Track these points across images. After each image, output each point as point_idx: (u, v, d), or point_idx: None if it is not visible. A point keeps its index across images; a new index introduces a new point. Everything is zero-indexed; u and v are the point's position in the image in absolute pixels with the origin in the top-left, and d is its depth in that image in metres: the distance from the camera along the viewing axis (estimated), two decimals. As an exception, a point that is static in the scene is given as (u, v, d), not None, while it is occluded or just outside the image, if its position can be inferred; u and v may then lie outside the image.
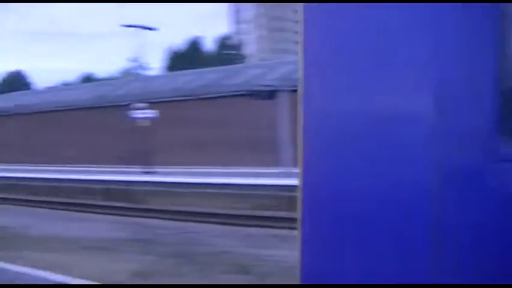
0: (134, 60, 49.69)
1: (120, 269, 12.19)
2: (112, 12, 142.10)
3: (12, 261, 13.31)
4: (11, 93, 75.14)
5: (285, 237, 15.47)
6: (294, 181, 3.82)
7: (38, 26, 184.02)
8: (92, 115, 52.28)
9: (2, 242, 17.32)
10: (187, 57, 79.21)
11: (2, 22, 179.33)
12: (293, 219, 3.78)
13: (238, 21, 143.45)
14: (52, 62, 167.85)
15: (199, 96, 45.59)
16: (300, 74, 3.63)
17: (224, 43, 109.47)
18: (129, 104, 43.43)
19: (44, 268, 12.08)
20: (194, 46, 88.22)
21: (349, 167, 3.35)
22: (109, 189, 30.60)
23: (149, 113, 41.02)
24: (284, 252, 13.02)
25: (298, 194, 3.60)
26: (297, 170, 3.57)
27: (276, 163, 32.63)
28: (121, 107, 47.27)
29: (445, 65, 3.02)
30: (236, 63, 72.36)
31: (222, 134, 42.07)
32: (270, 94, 34.90)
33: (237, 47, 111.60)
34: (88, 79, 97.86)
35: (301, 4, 3.63)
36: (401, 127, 3.13)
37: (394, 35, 3.22)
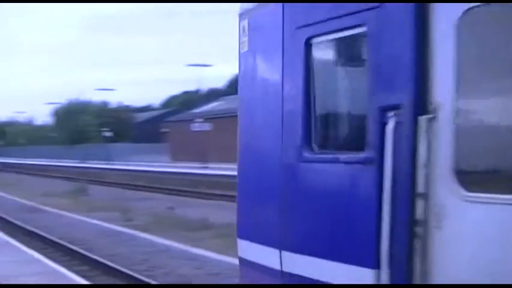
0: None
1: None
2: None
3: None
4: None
5: None
6: None
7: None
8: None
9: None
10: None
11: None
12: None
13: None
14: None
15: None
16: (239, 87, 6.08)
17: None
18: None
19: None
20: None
21: (246, 164, 5.90)
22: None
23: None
24: None
25: (237, 181, 6.02)
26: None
27: None
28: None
29: (283, 98, 5.16)
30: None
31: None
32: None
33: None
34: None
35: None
36: (271, 138, 5.30)
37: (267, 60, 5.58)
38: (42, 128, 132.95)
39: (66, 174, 57.64)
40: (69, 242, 18.11)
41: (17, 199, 33.47)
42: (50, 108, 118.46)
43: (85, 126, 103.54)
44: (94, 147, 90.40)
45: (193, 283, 12.74)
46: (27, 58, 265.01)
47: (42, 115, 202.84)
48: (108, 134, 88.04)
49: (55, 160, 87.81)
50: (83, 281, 12.29)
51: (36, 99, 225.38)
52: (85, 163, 75.03)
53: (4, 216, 25.04)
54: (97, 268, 14.86)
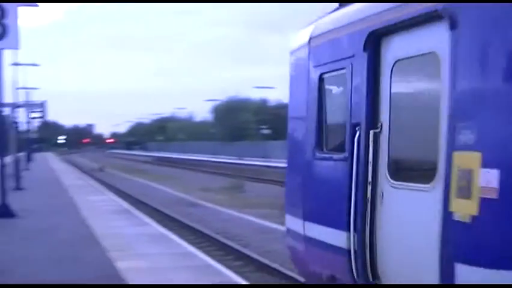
0: None
1: None
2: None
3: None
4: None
5: None
6: None
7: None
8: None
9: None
10: None
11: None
12: None
13: None
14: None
15: None
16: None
17: None
18: None
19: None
20: None
21: (289, 159, 8.83)
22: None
23: None
24: None
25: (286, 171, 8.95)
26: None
27: None
28: None
29: (307, 113, 8.04)
30: None
31: None
32: None
33: None
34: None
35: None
36: (301, 142, 8.29)
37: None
38: (201, 124, 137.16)
39: (223, 170, 58.97)
40: (224, 237, 18.39)
41: (175, 193, 34.60)
42: (210, 104, 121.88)
43: (244, 123, 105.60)
44: (252, 144, 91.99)
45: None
46: (187, 55, 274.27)
47: (202, 111, 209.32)
48: (266, 131, 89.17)
49: (213, 156, 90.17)
50: (237, 278, 12.36)
51: (196, 95, 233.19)
52: (242, 160, 76.45)
53: (162, 209, 25.91)
54: (251, 264, 14.97)
